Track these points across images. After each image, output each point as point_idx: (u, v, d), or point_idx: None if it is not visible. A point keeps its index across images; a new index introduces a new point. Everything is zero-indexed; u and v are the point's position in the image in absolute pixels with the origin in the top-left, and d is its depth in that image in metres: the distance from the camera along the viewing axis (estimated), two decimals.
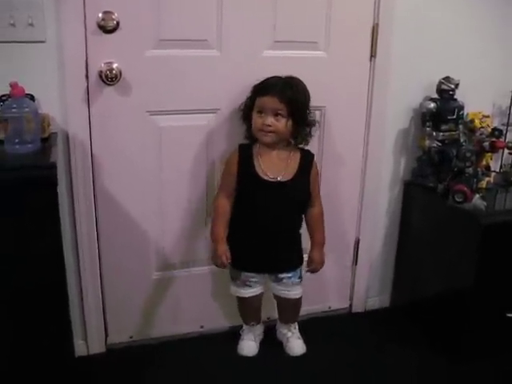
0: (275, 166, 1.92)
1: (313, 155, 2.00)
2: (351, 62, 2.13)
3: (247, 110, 1.93)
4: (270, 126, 1.86)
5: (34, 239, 1.50)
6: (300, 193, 1.96)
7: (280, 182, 1.91)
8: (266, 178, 1.91)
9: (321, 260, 2.06)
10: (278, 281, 2.06)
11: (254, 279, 2.05)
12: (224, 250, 1.96)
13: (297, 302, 2.14)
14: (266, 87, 1.87)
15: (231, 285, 2.09)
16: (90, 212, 1.96)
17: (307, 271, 2.07)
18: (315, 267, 2.06)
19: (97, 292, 2.07)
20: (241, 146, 1.97)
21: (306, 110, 1.93)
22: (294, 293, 2.08)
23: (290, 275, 2.05)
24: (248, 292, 2.06)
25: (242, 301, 2.12)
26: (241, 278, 2.04)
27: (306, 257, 2.08)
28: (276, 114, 1.85)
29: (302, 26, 2.02)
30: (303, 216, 2.03)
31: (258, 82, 1.90)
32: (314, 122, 1.99)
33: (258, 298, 2.11)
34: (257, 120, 1.88)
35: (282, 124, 1.86)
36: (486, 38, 2.28)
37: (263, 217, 1.93)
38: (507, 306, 2.10)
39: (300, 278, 2.08)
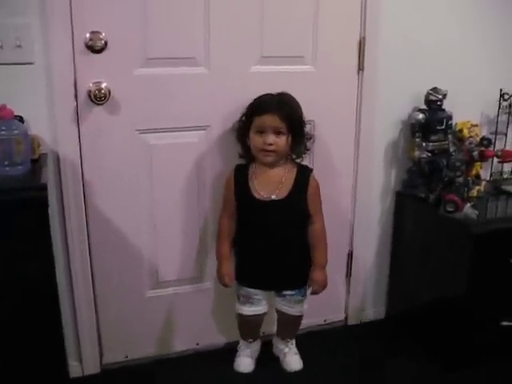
0: (270, 185, 1.91)
1: (310, 170, 1.99)
2: (339, 76, 2.14)
3: (242, 131, 1.94)
4: (271, 144, 1.85)
5: (26, 261, 1.50)
6: (297, 209, 1.94)
7: (274, 201, 1.90)
8: (259, 197, 1.91)
9: (321, 282, 2.00)
10: (282, 296, 2.05)
11: (257, 296, 2.03)
12: (227, 269, 1.98)
13: (297, 319, 2.13)
14: (262, 106, 1.87)
15: (236, 302, 2.07)
16: (82, 232, 1.96)
17: (310, 293, 2.05)
18: (316, 289, 2.02)
19: (90, 312, 2.05)
20: (237, 167, 1.97)
21: (303, 124, 1.94)
22: (295, 310, 2.07)
23: (293, 293, 2.04)
24: (249, 310, 2.05)
25: (242, 318, 2.09)
26: (244, 294, 2.03)
27: None
28: (277, 132, 1.85)
29: (289, 41, 2.04)
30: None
31: (251, 101, 1.90)
32: (309, 135, 2.01)
33: (259, 318, 2.09)
34: (257, 140, 1.87)
35: (282, 141, 1.87)
36: (473, 47, 2.30)
37: (262, 235, 1.93)
38: (501, 314, 2.11)
39: (304, 295, 2.06)
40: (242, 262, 2.01)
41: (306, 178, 1.95)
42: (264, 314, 2.08)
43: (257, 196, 1.91)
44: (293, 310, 2.07)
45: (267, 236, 1.93)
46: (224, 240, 2.00)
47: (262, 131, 1.86)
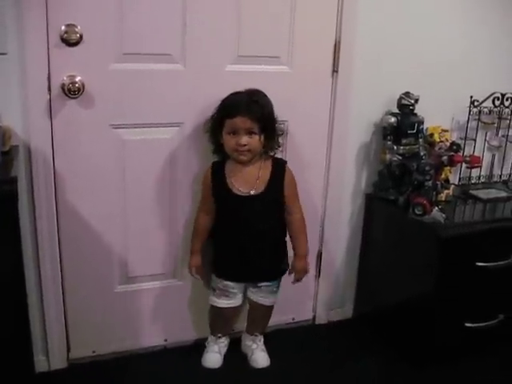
0: (247, 181, 1.93)
1: (285, 162, 2.03)
2: (314, 77, 2.16)
3: (214, 131, 1.94)
4: (245, 145, 1.87)
5: None
6: (274, 202, 1.98)
7: (252, 196, 1.93)
8: (238, 193, 1.92)
9: (304, 270, 2.08)
10: (257, 287, 2.08)
11: (233, 290, 2.06)
12: (195, 262, 2.03)
13: (269, 310, 2.16)
14: (233, 108, 1.87)
15: (211, 295, 2.10)
16: (52, 226, 1.94)
17: (292, 282, 2.09)
18: (298, 277, 2.08)
19: (59, 306, 2.04)
20: (213, 164, 1.99)
21: (274, 121, 1.95)
22: (269, 300, 2.11)
23: (269, 284, 2.08)
24: (225, 303, 2.08)
25: (217, 310, 2.12)
26: (221, 287, 2.05)
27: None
28: (249, 133, 1.86)
29: (266, 41, 2.05)
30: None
31: (221, 101, 1.90)
32: (281, 131, 2.03)
33: (234, 310, 2.12)
34: (230, 141, 1.88)
35: (255, 141, 1.88)
36: (445, 54, 2.34)
37: (241, 228, 1.96)
38: (466, 315, 2.15)
39: (278, 286, 2.11)
40: (221, 255, 2.03)
41: (282, 170, 1.99)
42: (239, 306, 2.12)
43: (236, 192, 1.93)
44: (267, 301, 2.11)
45: (246, 229, 1.96)
46: (198, 236, 2.05)
47: (234, 132, 1.87)
